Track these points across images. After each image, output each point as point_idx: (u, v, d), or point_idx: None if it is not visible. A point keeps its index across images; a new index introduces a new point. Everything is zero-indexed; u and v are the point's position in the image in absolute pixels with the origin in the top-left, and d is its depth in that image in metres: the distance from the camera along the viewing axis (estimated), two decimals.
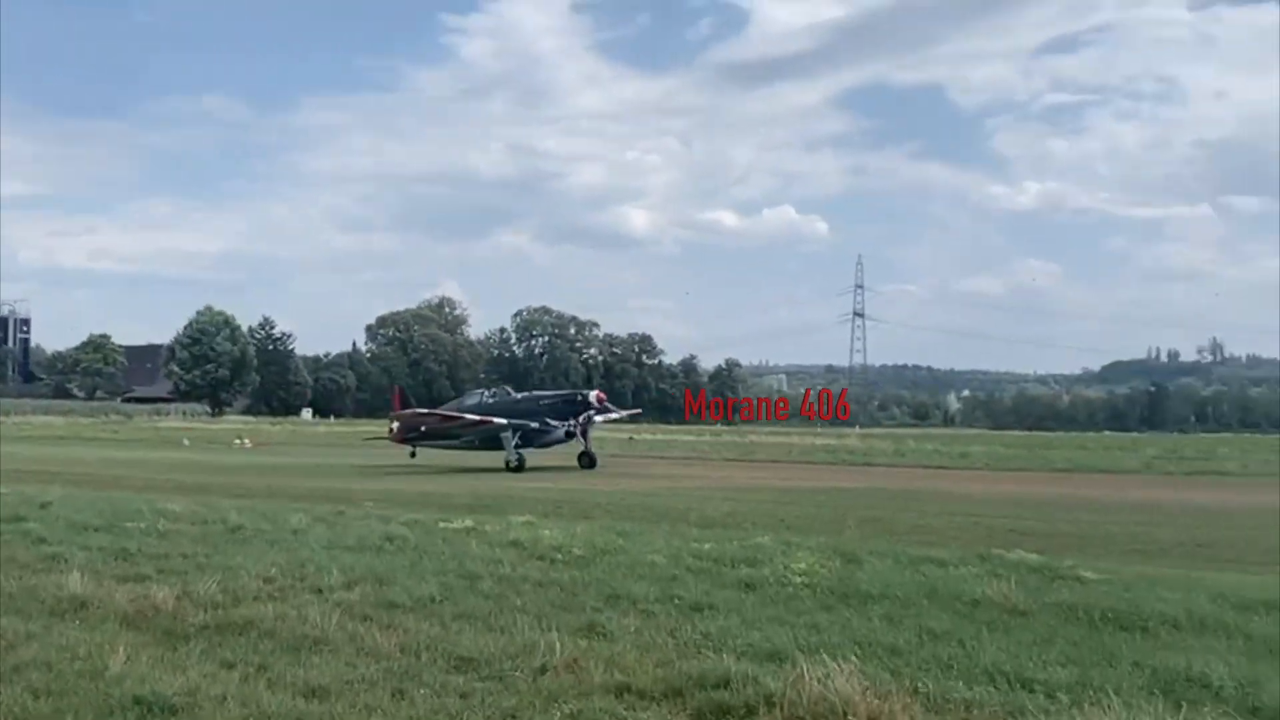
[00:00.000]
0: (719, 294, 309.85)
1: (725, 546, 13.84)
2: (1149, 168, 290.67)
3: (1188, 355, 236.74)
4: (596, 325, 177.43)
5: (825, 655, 7.78)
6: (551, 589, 11.11)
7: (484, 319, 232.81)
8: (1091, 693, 7.26)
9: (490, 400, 44.42)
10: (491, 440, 40.90)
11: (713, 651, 8.38)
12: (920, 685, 7.49)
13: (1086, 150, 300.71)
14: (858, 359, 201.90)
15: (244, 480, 30.16)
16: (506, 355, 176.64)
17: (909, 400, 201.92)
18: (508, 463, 39.08)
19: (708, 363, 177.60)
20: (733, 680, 7.53)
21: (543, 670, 7.99)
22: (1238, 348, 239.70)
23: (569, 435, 41.53)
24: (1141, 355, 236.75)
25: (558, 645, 8.41)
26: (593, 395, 43.62)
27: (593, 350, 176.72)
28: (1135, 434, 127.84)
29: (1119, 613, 9.94)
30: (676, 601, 10.39)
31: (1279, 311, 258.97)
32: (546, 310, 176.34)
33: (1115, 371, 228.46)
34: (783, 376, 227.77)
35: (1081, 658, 8.44)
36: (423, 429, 43.51)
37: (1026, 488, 33.18)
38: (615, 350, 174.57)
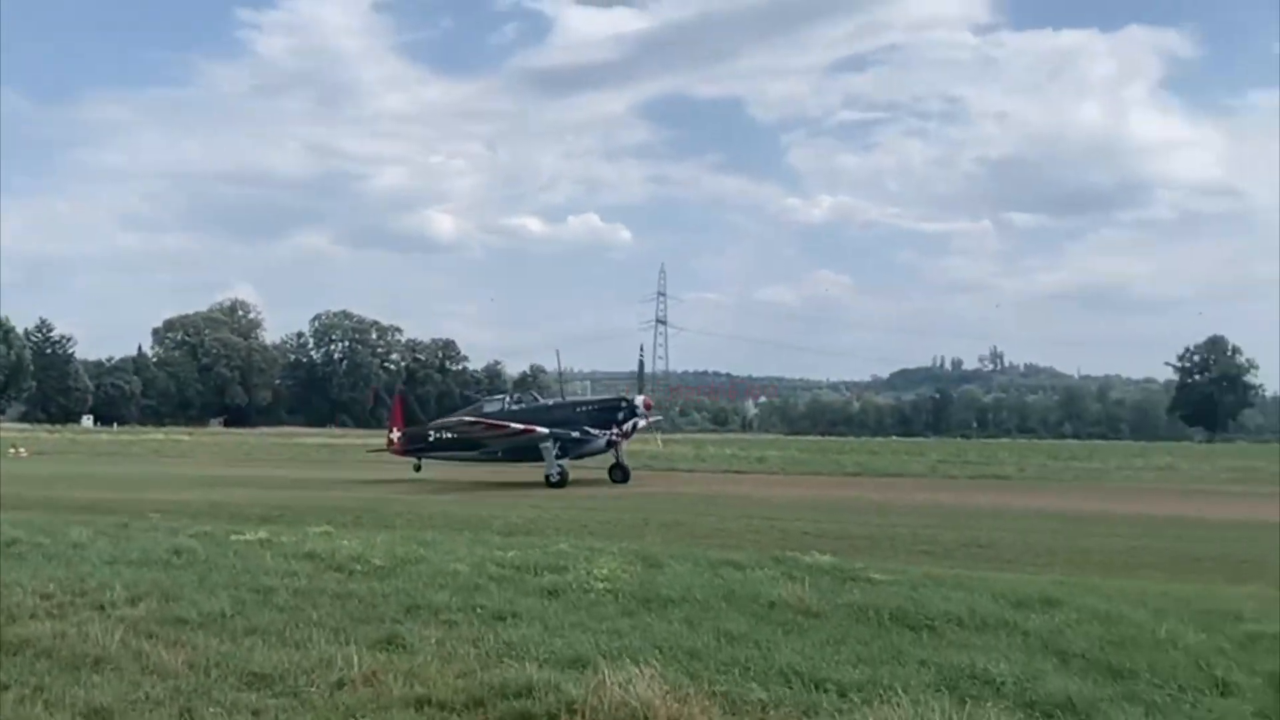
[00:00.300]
0: (524, 299, 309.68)
1: (528, 553, 13.79)
2: (935, 184, 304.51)
3: (970, 364, 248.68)
4: (399, 330, 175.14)
5: (627, 660, 7.84)
6: (350, 601, 10.84)
7: (282, 323, 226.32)
8: (881, 691, 7.51)
9: (515, 407, 39.58)
10: (522, 452, 37.09)
11: (515, 660, 8.32)
12: (719, 687, 7.61)
13: (876, 166, 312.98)
14: (660, 365, 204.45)
15: (20, 491, 28.47)
16: (304, 360, 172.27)
17: (709, 406, 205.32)
18: (548, 477, 35.17)
19: (512, 369, 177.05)
20: (535, 688, 7.51)
21: (340, 685, 7.80)
22: (1016, 357, 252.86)
23: (610, 445, 37.89)
24: (927, 363, 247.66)
25: (355, 659, 8.23)
26: (639, 401, 38.89)
27: (395, 356, 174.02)
28: (921, 439, 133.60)
29: (907, 612, 10.30)
30: (479, 611, 10.28)
31: (1054, 323, 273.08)
32: (347, 315, 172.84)
33: (903, 379, 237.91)
34: (587, 383, 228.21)
35: (872, 657, 8.71)
36: (431, 438, 40.01)
37: (820, 491, 34.18)
38: (418, 356, 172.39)
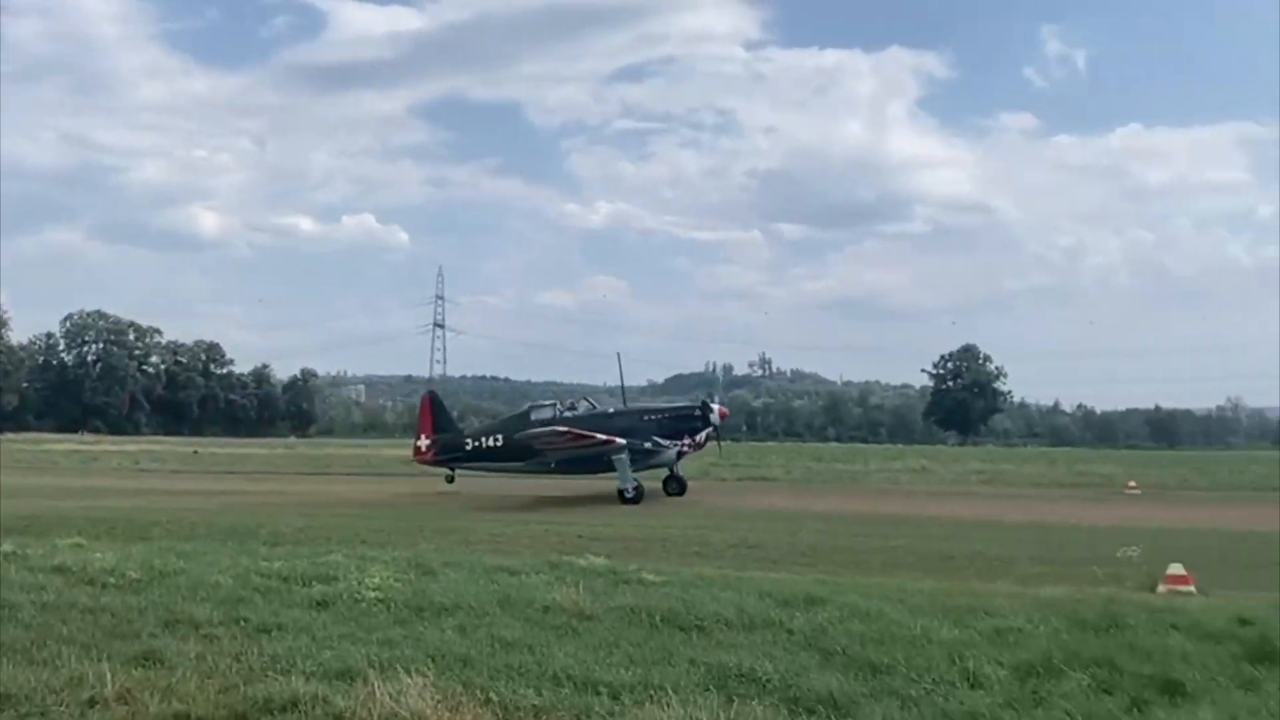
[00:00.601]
0: (295, 301, 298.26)
1: (296, 564, 13.40)
2: (708, 194, 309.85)
3: (741, 369, 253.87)
4: (159, 332, 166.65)
5: (399, 670, 7.76)
6: (103, 615, 10.31)
7: (30, 323, 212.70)
8: (653, 691, 7.64)
9: (569, 413, 35.55)
10: (581, 464, 33.98)
11: (280, 674, 8.10)
12: (492, 694, 7.59)
13: (653, 175, 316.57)
14: (438, 370, 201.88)
15: None
16: (54, 362, 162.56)
17: (488, 411, 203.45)
18: (622, 492, 32.08)
19: (282, 373, 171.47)
20: (301, 702, 7.34)
21: (91, 703, 7.44)
22: (784, 363, 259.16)
23: (680, 457, 34.91)
24: (700, 369, 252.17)
25: (108, 676, 7.84)
26: (715, 410, 35.71)
27: (154, 358, 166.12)
28: None
29: (678, 613, 10.47)
30: (242, 624, 9.96)
31: (819, 330, 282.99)
32: (101, 314, 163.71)
33: (677, 383, 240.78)
34: (361, 387, 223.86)
35: (644, 658, 8.84)
36: (469, 446, 36.51)
37: (596, 494, 34.46)
38: (180, 359, 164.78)
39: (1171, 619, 10.32)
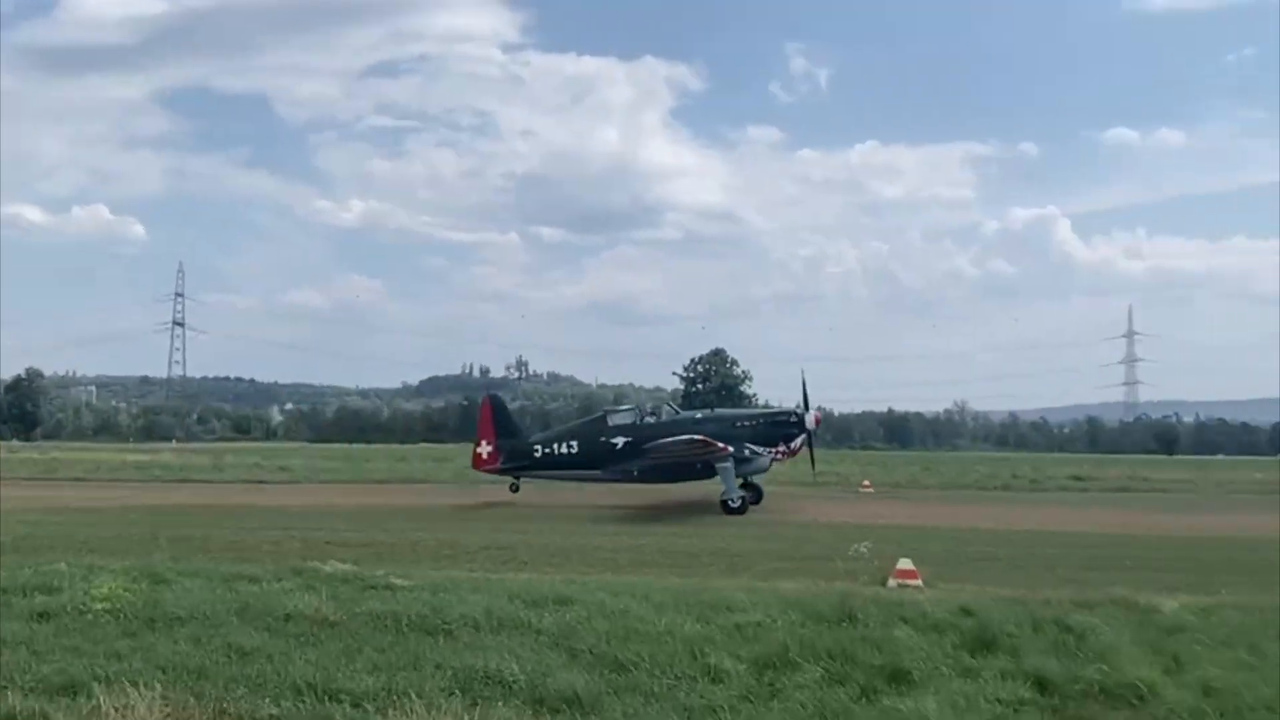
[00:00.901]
0: (20, 296, 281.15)
1: (16, 574, 12.65)
2: (465, 195, 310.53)
3: (498, 371, 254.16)
4: None
5: (126, 684, 7.43)
6: None
7: None
8: (396, 698, 7.58)
9: (649, 419, 33.45)
10: (668, 472, 31.69)
11: None
12: (227, 705, 7.38)
13: (409, 174, 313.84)
14: (177, 370, 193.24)
15: None
16: None
17: (231, 413, 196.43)
18: (726, 502, 29.95)
19: (5, 372, 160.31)
20: (19, 719, 6.92)
21: None
22: (540, 365, 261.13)
23: (771, 464, 33.06)
24: (457, 370, 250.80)
25: None
26: (810, 416, 33.44)
27: None
28: (450, 445, 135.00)
29: (425, 617, 10.41)
30: None
31: (575, 333, 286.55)
32: None
33: (432, 385, 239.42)
34: (92, 388, 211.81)
35: (389, 664, 8.74)
36: (538, 453, 33.71)
37: (345, 499, 33.79)
38: None
39: (900, 612, 10.90)
